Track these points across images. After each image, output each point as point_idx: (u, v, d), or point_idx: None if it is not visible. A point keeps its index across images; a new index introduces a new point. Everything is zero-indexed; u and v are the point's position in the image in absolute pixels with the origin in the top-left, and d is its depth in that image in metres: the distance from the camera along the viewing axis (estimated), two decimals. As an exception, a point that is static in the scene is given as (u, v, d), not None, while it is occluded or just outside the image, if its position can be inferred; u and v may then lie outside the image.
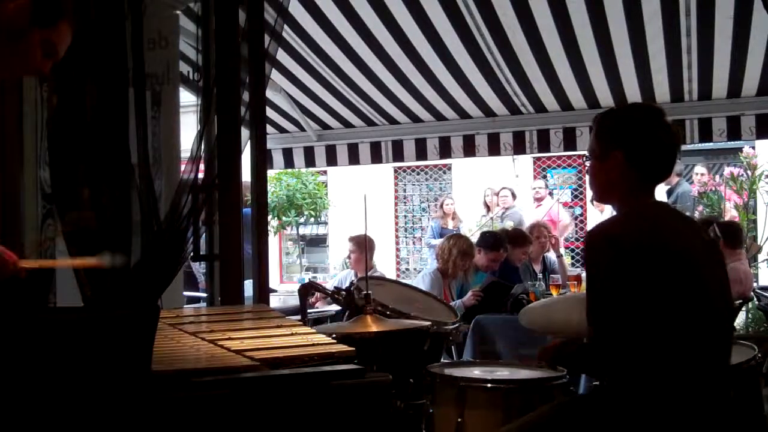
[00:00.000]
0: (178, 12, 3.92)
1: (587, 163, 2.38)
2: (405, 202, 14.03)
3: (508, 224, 8.50)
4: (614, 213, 2.42)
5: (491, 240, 5.72)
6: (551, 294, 5.30)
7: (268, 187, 4.59)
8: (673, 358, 2.09)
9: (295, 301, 4.42)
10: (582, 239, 11.40)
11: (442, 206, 10.08)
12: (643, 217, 2.20)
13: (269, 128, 6.27)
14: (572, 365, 2.62)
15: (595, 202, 9.45)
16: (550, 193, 10.24)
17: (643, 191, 2.27)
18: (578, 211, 11.47)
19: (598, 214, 8.85)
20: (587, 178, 2.61)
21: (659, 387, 2.08)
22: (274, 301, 5.28)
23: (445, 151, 7.07)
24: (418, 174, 13.80)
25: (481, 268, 5.66)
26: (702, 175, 8.23)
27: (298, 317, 3.23)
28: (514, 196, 9.59)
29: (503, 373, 3.09)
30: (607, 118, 2.35)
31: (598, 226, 2.29)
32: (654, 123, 2.26)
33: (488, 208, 10.00)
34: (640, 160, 2.23)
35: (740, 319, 5.71)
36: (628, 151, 2.23)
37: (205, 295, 4.43)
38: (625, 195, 2.26)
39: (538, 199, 9.75)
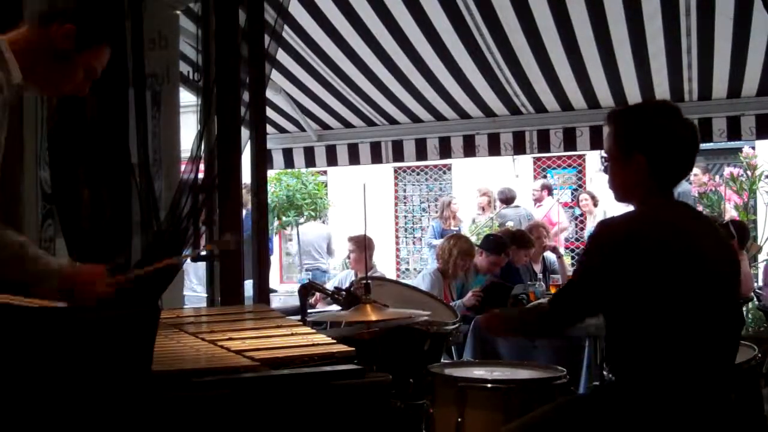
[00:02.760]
0: (178, 12, 3.92)
1: (605, 165, 2.36)
2: (405, 202, 14.03)
3: (509, 224, 8.49)
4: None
5: (494, 243, 5.69)
6: (551, 294, 5.29)
7: (268, 187, 4.59)
8: (678, 357, 2.08)
9: (295, 301, 4.42)
10: (582, 239, 11.41)
11: (449, 206, 10.00)
12: (659, 215, 2.20)
13: (269, 128, 6.27)
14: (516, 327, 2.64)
15: (582, 204, 9.50)
16: (550, 193, 10.23)
17: (664, 191, 2.25)
18: (578, 211, 11.46)
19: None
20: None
21: (662, 386, 2.08)
22: (274, 301, 5.28)
23: (445, 151, 7.07)
24: (418, 174, 13.80)
25: (481, 270, 5.64)
26: (696, 175, 8.23)
27: (298, 317, 3.23)
28: (507, 201, 9.54)
29: (503, 373, 3.09)
30: (625, 118, 2.30)
31: (612, 217, 2.28)
32: (674, 124, 2.23)
33: (483, 209, 9.98)
34: (662, 163, 2.21)
35: (740, 319, 5.71)
36: (651, 155, 2.20)
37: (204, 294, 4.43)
38: (646, 195, 2.24)
39: (537, 200, 9.78)
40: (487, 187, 10.09)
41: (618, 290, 2.10)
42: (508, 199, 9.55)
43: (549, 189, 10.25)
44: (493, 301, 5.16)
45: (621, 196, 2.35)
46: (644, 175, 2.21)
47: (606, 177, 2.38)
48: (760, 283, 4.80)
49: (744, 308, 6.06)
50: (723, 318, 2.15)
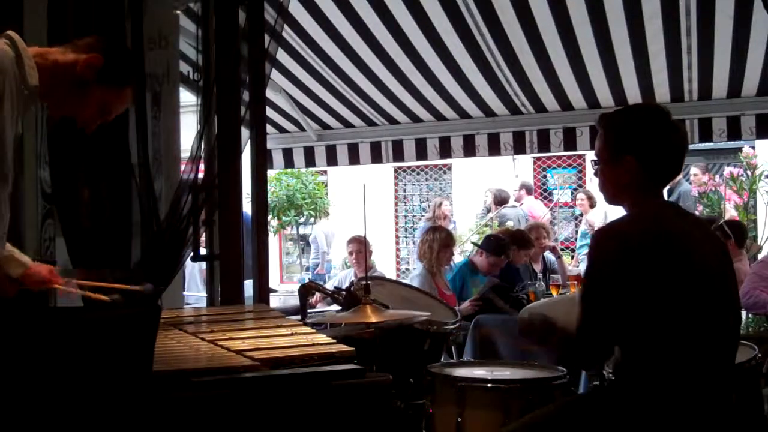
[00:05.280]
0: (178, 12, 3.93)
1: (596, 167, 2.37)
2: (405, 202, 14.03)
3: (509, 224, 8.50)
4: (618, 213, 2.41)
5: (495, 245, 5.65)
6: (551, 294, 5.29)
7: (268, 187, 4.60)
8: (677, 357, 2.09)
9: (295, 301, 4.42)
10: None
11: (440, 206, 10.08)
12: (653, 216, 2.21)
13: (269, 128, 6.27)
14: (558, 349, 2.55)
15: (579, 203, 9.55)
16: (529, 192, 10.41)
17: (653, 192, 2.28)
18: (578, 211, 11.47)
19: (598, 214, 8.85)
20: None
21: (661, 386, 2.09)
22: (274, 301, 5.27)
23: (445, 151, 7.07)
24: (418, 174, 13.80)
25: (481, 270, 5.63)
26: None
27: (298, 317, 3.23)
28: (501, 202, 9.66)
29: (503, 373, 3.09)
30: (615, 121, 2.33)
31: (608, 224, 2.30)
32: (664, 126, 2.26)
33: (488, 209, 10.09)
34: (652, 164, 2.23)
35: (740, 319, 5.71)
36: (641, 157, 2.22)
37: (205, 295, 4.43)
38: (636, 196, 2.26)
39: (517, 200, 9.88)
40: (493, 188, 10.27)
41: (622, 293, 2.10)
42: (502, 200, 9.68)
43: (528, 189, 10.44)
44: (494, 304, 5.16)
45: (611, 198, 2.37)
46: (635, 176, 2.23)
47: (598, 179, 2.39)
48: (744, 289, 4.79)
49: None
50: (720, 316, 2.16)
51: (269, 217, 7.26)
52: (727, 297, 2.21)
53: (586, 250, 8.88)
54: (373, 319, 2.77)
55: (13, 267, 2.19)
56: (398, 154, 7.22)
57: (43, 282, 2.26)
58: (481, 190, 10.73)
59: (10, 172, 2.06)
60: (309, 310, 4.46)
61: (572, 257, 10.13)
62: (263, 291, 3.93)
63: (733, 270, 2.29)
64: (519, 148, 6.90)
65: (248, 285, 3.95)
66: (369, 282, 2.99)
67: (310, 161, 7.53)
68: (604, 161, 2.32)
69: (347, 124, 7.14)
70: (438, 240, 5.35)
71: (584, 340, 2.15)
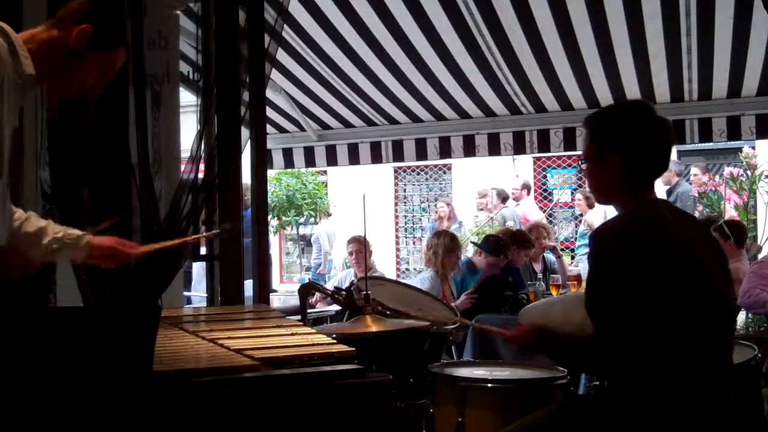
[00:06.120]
0: (178, 12, 3.92)
1: (583, 166, 2.38)
2: (405, 202, 14.02)
3: (509, 224, 8.50)
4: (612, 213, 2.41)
5: (494, 245, 5.65)
6: (551, 294, 5.29)
7: (268, 187, 4.60)
8: (676, 357, 2.08)
9: (295, 301, 4.42)
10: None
11: (446, 206, 10.15)
12: (647, 214, 2.21)
13: (269, 128, 6.28)
14: (564, 359, 2.50)
15: (577, 204, 9.55)
16: (529, 192, 10.41)
17: (643, 189, 2.27)
18: (578, 211, 11.46)
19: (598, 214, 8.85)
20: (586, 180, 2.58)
21: (661, 386, 2.08)
22: (274, 301, 5.27)
23: (445, 151, 7.07)
24: (418, 174, 13.79)
25: (479, 269, 5.63)
26: (696, 175, 8.22)
27: (298, 317, 3.22)
28: (502, 198, 9.67)
29: (503, 373, 3.09)
30: (598, 120, 2.34)
31: (603, 224, 2.30)
32: (647, 121, 2.26)
33: (482, 210, 10.10)
34: (636, 160, 2.23)
35: (740, 319, 5.71)
36: (624, 153, 2.22)
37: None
38: (625, 194, 2.26)
39: (516, 199, 9.90)
40: (485, 189, 10.22)
41: (620, 293, 2.10)
42: (505, 198, 9.70)
43: (528, 188, 10.43)
44: (489, 298, 5.16)
45: (601, 197, 2.37)
46: (619, 173, 2.23)
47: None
48: (744, 288, 4.78)
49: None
50: (718, 315, 2.16)
51: (269, 217, 7.25)
52: (722, 293, 2.21)
53: (584, 250, 8.88)
54: (374, 329, 2.78)
55: (72, 252, 2.24)
56: (398, 154, 7.22)
57: (121, 256, 2.31)
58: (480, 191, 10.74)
59: (6, 166, 2.06)
60: (309, 310, 4.47)
61: (572, 257, 10.14)
62: (263, 291, 3.93)
63: (726, 265, 2.30)
64: (519, 148, 6.90)
65: (248, 285, 3.95)
66: (369, 282, 2.99)
67: (310, 161, 7.54)
68: (589, 160, 2.32)
69: (347, 124, 7.14)
70: (442, 245, 5.36)
71: (602, 346, 2.11)
